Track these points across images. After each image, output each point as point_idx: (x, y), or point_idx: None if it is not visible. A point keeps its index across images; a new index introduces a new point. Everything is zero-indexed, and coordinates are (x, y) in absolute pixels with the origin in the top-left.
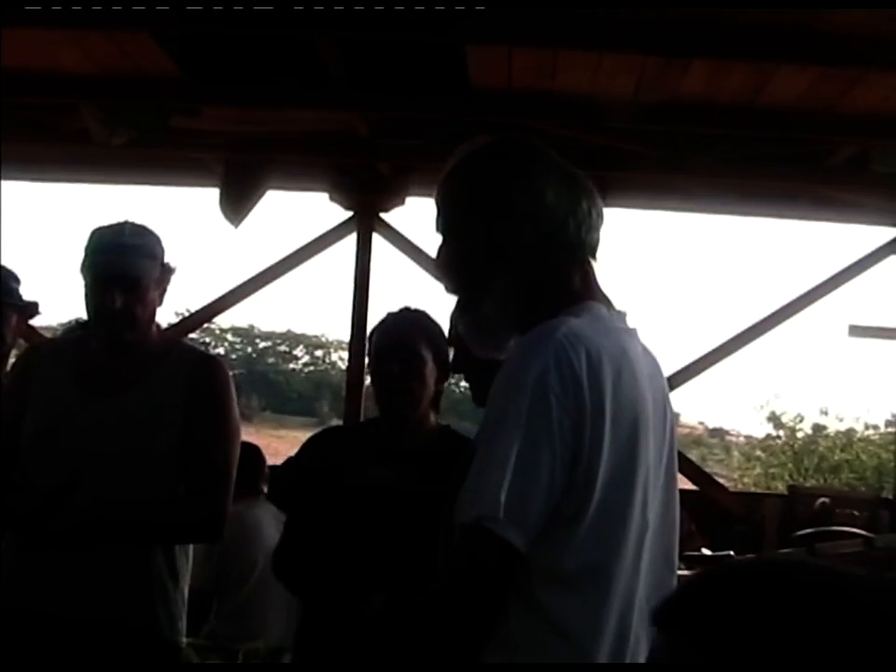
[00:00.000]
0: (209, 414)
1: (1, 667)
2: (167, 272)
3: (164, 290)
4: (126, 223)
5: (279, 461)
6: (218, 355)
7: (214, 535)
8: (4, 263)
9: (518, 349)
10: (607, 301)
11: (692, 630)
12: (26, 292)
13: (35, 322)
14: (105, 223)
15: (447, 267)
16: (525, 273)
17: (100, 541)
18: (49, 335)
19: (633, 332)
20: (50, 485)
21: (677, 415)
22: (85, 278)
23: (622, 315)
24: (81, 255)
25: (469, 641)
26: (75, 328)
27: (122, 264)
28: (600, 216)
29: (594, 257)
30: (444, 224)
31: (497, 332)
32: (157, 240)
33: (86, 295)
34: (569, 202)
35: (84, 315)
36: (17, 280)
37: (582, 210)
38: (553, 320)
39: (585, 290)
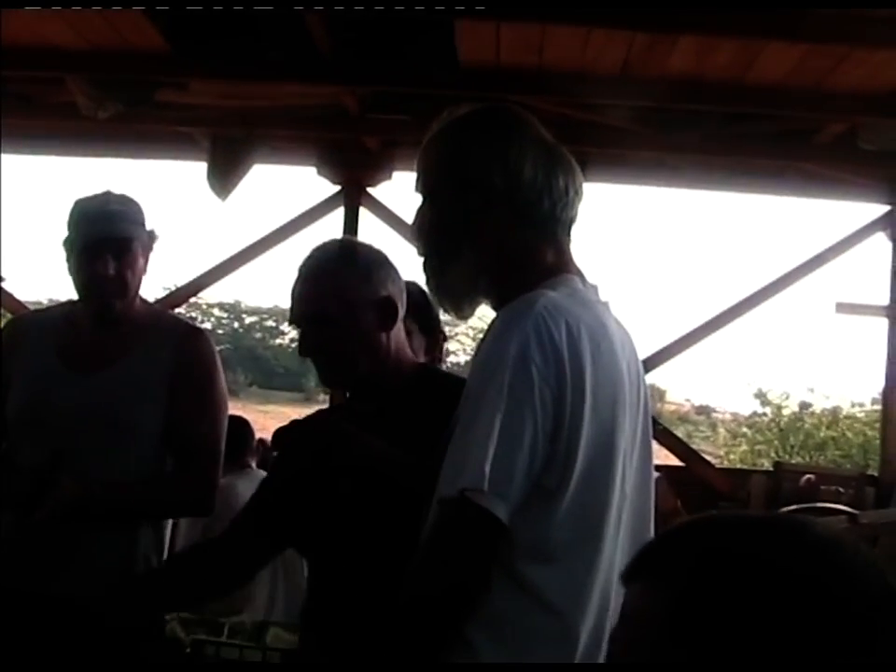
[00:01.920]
0: (195, 387)
1: None
2: (152, 238)
3: (148, 258)
4: (109, 191)
5: (266, 436)
6: (205, 329)
7: (203, 509)
8: None
9: (498, 322)
10: (580, 275)
11: (665, 576)
12: None
13: (22, 297)
14: (86, 195)
15: (420, 230)
16: (494, 247)
17: (88, 520)
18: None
19: (606, 305)
20: (34, 467)
21: (663, 392)
22: (72, 249)
23: (595, 289)
24: (65, 228)
25: (456, 618)
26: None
27: (112, 228)
28: (578, 193)
29: (568, 233)
30: (422, 187)
31: (460, 301)
32: (140, 207)
33: (73, 266)
34: (546, 178)
35: (67, 291)
36: None
37: (559, 188)
38: (531, 293)
39: (559, 265)
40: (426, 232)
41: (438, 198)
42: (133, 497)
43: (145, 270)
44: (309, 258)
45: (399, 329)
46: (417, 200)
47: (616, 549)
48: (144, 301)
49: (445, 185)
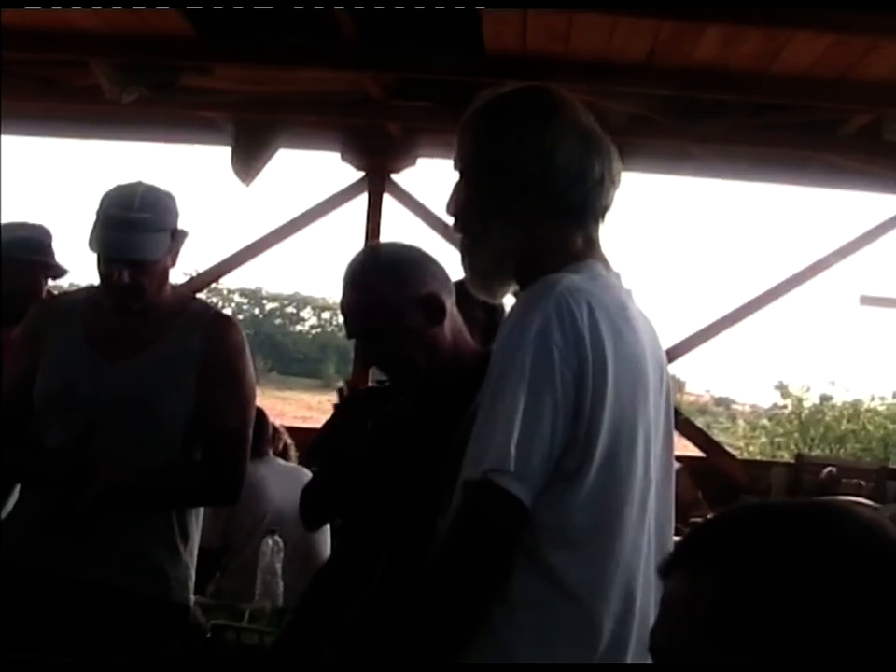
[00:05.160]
0: (224, 377)
1: (12, 626)
2: (179, 238)
3: (176, 254)
4: (137, 189)
5: (284, 422)
6: (234, 318)
7: (230, 499)
8: (39, 221)
9: (520, 303)
10: (604, 262)
11: (714, 563)
12: (58, 254)
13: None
14: (116, 186)
15: (455, 207)
16: (524, 231)
17: (119, 506)
18: None
19: (629, 293)
20: (69, 447)
21: (683, 383)
22: (93, 249)
23: (618, 276)
24: (92, 221)
25: (479, 603)
26: None
27: (129, 243)
28: (614, 180)
29: (600, 221)
30: (459, 164)
31: (490, 280)
32: (167, 207)
33: (96, 263)
34: (581, 166)
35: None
36: (50, 238)
37: (594, 176)
38: (554, 275)
39: (586, 252)
40: (460, 209)
41: (472, 177)
42: (163, 484)
43: (172, 264)
44: (345, 273)
45: (453, 319)
46: (454, 177)
47: (641, 535)
48: (173, 288)
49: (479, 166)
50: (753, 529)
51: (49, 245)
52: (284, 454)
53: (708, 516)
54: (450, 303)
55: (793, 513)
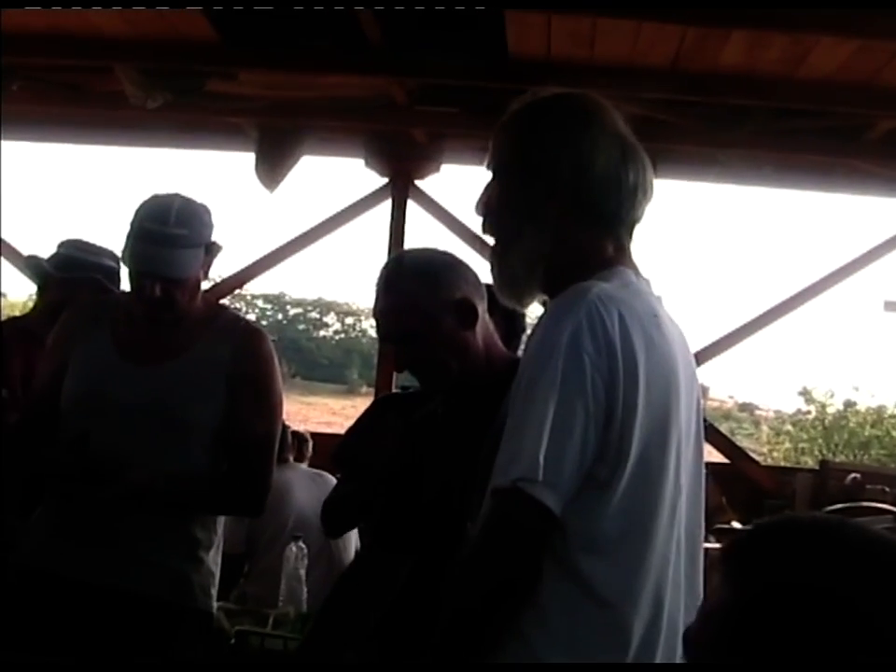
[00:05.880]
0: (253, 388)
1: (33, 630)
2: (213, 252)
3: (209, 267)
4: (173, 202)
5: (308, 427)
6: (264, 329)
7: (256, 509)
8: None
9: (550, 311)
10: (635, 269)
11: (742, 575)
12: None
13: None
14: (152, 197)
15: (486, 208)
16: (556, 236)
17: (143, 510)
18: None
19: (659, 299)
20: (99, 450)
21: (706, 389)
22: (127, 262)
23: (648, 282)
24: (126, 232)
25: (508, 611)
26: None
27: (163, 259)
28: (647, 193)
29: (631, 232)
30: (493, 165)
31: (520, 286)
32: (203, 222)
33: (129, 274)
34: (616, 176)
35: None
36: (115, 260)
37: (628, 187)
38: (584, 283)
39: (616, 259)
40: (491, 210)
41: (505, 178)
42: (189, 491)
43: (205, 276)
44: (378, 278)
45: (484, 324)
46: (485, 178)
47: (671, 542)
48: (205, 296)
49: (514, 167)
50: (786, 553)
51: (107, 265)
52: (307, 459)
53: (758, 520)
54: (482, 308)
55: (835, 544)
